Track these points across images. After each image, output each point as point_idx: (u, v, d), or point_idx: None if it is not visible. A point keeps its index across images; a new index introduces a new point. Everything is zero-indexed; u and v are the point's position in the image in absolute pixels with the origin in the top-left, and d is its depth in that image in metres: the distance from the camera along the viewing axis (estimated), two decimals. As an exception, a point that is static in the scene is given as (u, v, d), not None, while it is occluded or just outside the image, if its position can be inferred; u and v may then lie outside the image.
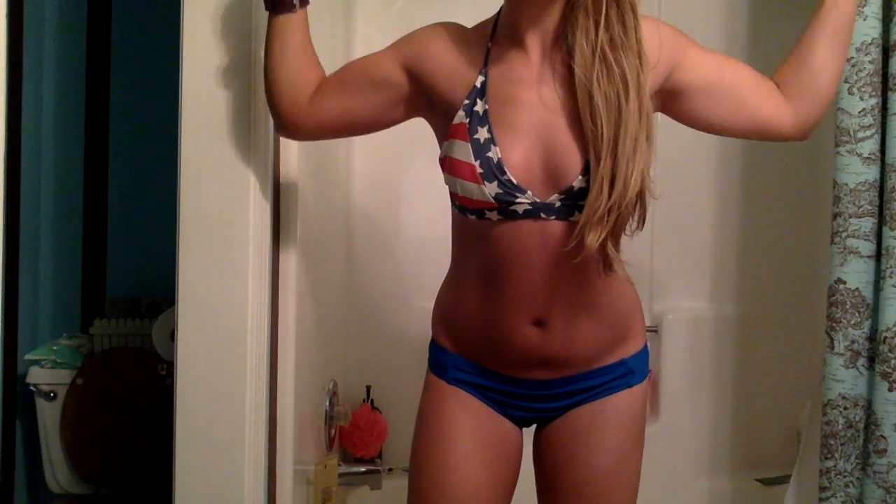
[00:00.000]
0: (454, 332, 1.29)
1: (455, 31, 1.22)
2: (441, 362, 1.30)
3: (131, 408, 2.12)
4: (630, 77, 1.07)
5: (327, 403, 1.81)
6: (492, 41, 1.19)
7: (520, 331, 1.19)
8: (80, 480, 2.12)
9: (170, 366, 1.98)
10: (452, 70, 1.18)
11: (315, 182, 1.71)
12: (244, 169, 1.34)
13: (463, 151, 1.13)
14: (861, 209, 1.59)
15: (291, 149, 1.49)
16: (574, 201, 1.11)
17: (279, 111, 1.25)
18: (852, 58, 1.58)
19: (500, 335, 1.21)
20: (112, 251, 2.36)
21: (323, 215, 1.85)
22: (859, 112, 1.58)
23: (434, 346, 1.33)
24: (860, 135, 1.58)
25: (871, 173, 1.59)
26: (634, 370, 1.28)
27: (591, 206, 1.07)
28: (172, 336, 1.47)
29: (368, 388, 2.16)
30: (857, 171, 1.59)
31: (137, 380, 2.13)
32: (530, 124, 1.13)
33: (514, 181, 1.11)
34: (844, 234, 1.60)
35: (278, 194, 1.45)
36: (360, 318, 2.23)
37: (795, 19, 2.25)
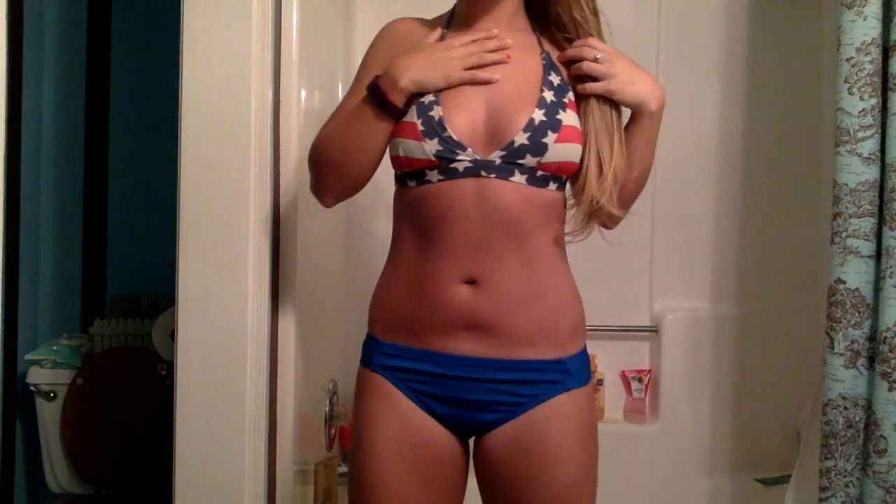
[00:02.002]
0: (383, 307, 1.25)
1: (411, 25, 1.29)
2: (368, 352, 1.26)
3: (131, 408, 2.12)
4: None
5: (327, 403, 1.81)
6: (447, 28, 1.26)
7: (450, 287, 1.16)
8: (80, 480, 2.12)
9: (170, 366, 1.98)
10: None
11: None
12: (244, 169, 1.34)
13: (408, 115, 1.17)
14: (861, 209, 1.59)
15: (291, 148, 1.49)
16: (514, 160, 1.15)
17: (335, 194, 1.30)
18: (852, 58, 1.58)
19: (431, 292, 1.17)
20: (112, 251, 2.36)
21: (323, 214, 1.85)
22: (859, 112, 1.58)
23: (366, 340, 1.29)
24: (860, 135, 1.58)
25: (871, 173, 1.59)
26: (574, 372, 1.21)
27: (599, 186, 1.18)
28: (172, 336, 1.47)
29: (368, 388, 2.15)
30: (857, 171, 1.59)
31: (137, 380, 2.13)
32: (476, 90, 1.18)
33: (455, 138, 1.15)
34: (844, 234, 1.60)
35: (278, 194, 1.46)
36: (360, 318, 2.21)
37: (795, 19, 2.27)
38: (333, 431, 1.85)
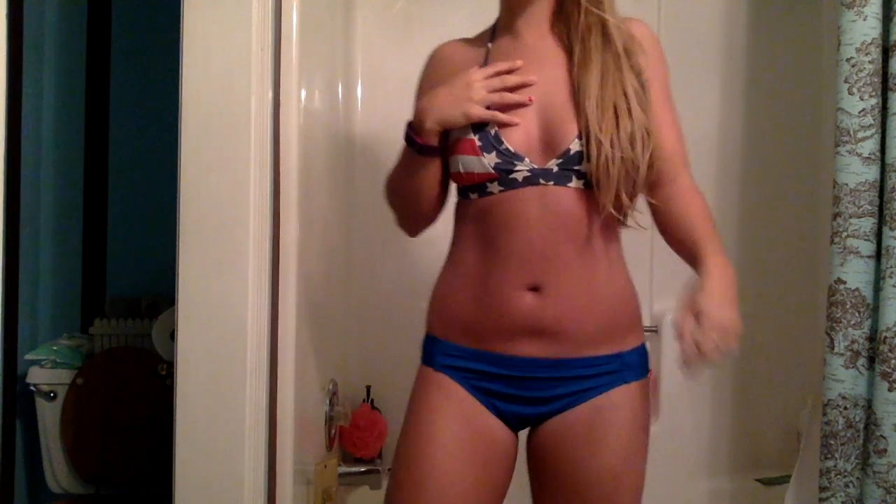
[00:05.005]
0: (445, 312, 1.28)
1: (453, 48, 1.31)
2: (430, 352, 1.30)
3: (131, 408, 2.12)
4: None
5: (327, 403, 1.81)
6: (491, 41, 1.28)
7: (514, 295, 1.19)
8: (80, 480, 2.12)
9: (170, 366, 1.98)
10: None
11: (315, 182, 1.71)
12: (244, 169, 1.34)
13: (462, 130, 1.20)
14: (861, 209, 1.59)
15: (291, 148, 1.49)
16: (571, 166, 1.18)
17: (416, 229, 1.39)
18: (852, 58, 1.59)
19: (494, 299, 1.21)
20: (112, 251, 2.36)
21: (323, 215, 1.85)
22: (859, 112, 1.58)
23: (426, 340, 1.33)
24: (860, 135, 1.58)
25: (871, 173, 1.59)
26: (631, 365, 1.26)
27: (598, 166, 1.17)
28: (172, 336, 1.47)
29: (368, 388, 2.16)
30: (857, 171, 1.59)
31: (137, 380, 2.13)
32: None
33: (512, 149, 1.18)
34: (844, 234, 1.60)
35: (278, 194, 1.45)
36: (361, 318, 2.22)
37: (795, 19, 2.27)
38: (333, 431, 1.85)
